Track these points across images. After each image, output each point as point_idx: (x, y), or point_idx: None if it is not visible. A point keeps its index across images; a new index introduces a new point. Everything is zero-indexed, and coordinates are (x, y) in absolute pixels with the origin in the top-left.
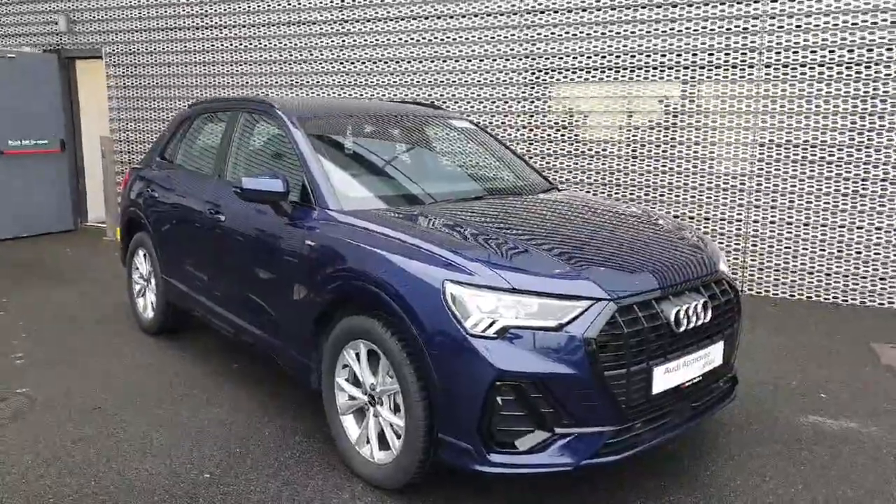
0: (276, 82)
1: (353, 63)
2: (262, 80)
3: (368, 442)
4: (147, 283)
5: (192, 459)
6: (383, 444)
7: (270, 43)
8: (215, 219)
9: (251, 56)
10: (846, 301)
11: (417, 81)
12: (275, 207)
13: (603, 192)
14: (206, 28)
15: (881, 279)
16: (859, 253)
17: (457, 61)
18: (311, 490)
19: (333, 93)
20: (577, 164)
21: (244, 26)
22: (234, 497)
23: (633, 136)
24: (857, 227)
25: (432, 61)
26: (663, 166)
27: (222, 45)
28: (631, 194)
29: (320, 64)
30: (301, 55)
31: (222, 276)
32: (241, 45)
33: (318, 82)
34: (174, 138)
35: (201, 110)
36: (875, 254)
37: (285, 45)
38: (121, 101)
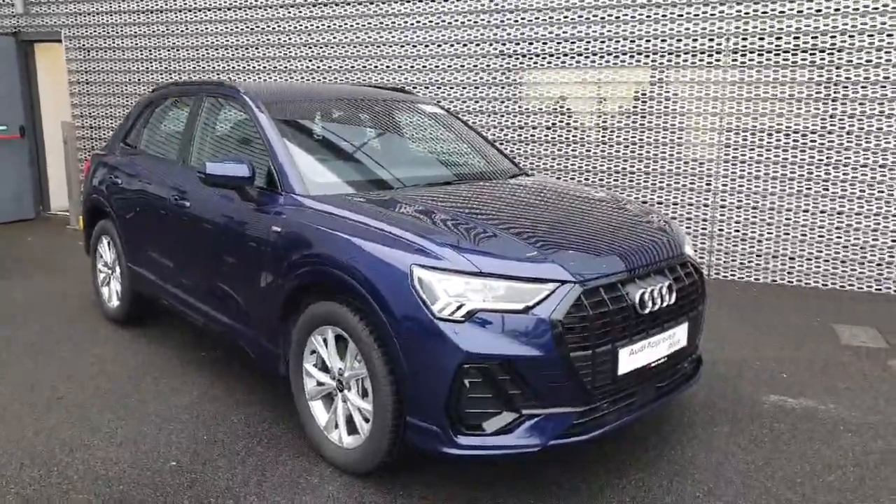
0: (243, 67)
1: (321, 48)
2: (227, 66)
3: (337, 427)
4: (112, 272)
5: (158, 448)
6: (352, 428)
7: (237, 27)
8: (180, 205)
9: (216, 40)
10: (808, 284)
11: (387, 67)
12: (240, 193)
13: (572, 178)
14: (170, 11)
15: (842, 262)
16: (821, 237)
17: (426, 46)
18: (280, 476)
19: (301, 78)
20: (547, 150)
21: (209, 9)
22: (202, 484)
23: (603, 122)
24: (820, 212)
25: (402, 46)
26: (632, 152)
27: (187, 28)
28: (600, 180)
29: (288, 49)
30: (269, 39)
31: (188, 263)
32: (206, 28)
33: (285, 67)
34: (137, 124)
35: (165, 95)
36: (836, 238)
37: (252, 28)
38: (82, 86)
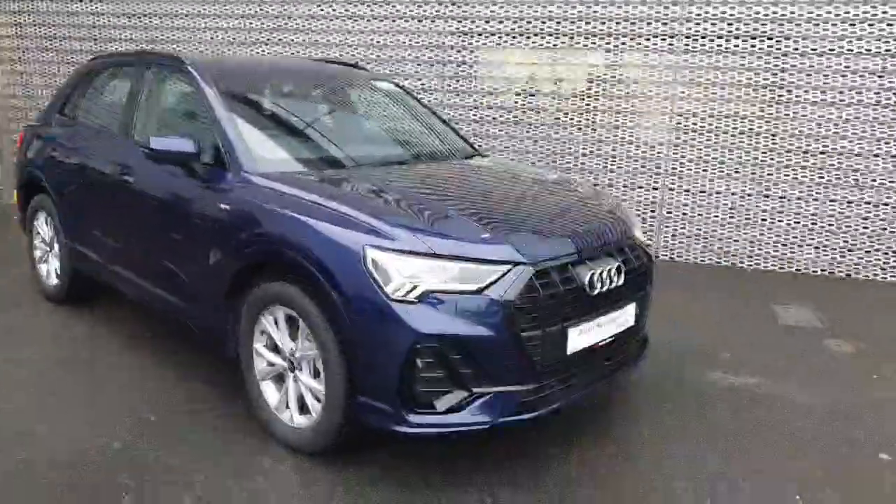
0: (187, 38)
1: (272, 19)
2: (171, 36)
3: (288, 407)
4: (49, 249)
5: (102, 429)
6: (303, 408)
7: None
8: (123, 180)
9: (160, 8)
10: (751, 265)
11: (340, 42)
12: (186, 169)
13: (527, 159)
14: None
15: (783, 244)
16: (763, 220)
17: (381, 21)
18: (230, 456)
19: (248, 51)
20: (501, 130)
21: None
22: (147, 465)
23: (557, 103)
24: (764, 196)
25: (354, 20)
26: (584, 134)
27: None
28: (553, 161)
29: (236, 20)
30: (216, 10)
31: (132, 240)
32: None
33: (233, 39)
34: (74, 94)
35: (106, 64)
36: (778, 221)
37: None
38: (12, 53)
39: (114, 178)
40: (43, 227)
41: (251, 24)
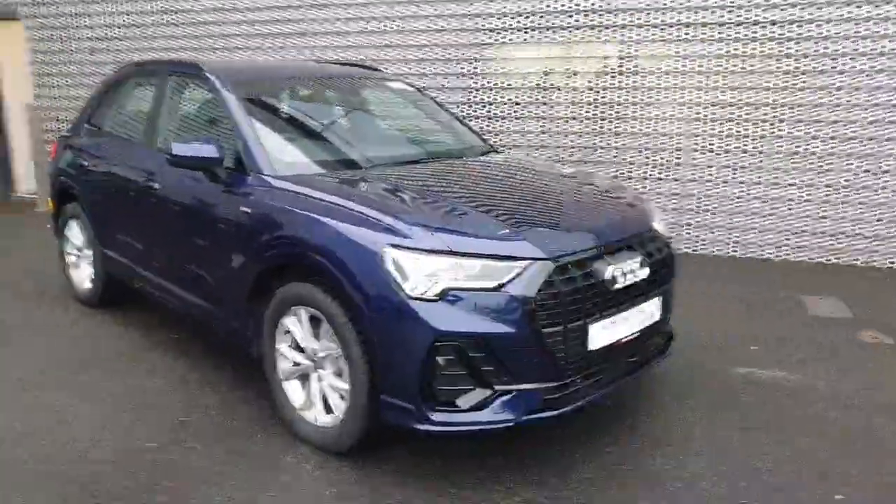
0: (210, 45)
1: (287, 24)
2: (195, 44)
3: (312, 406)
4: (81, 254)
5: (134, 430)
6: (327, 408)
7: (204, 5)
8: (149, 187)
9: (183, 18)
10: (779, 256)
11: (354, 43)
12: (208, 174)
13: (543, 155)
14: None
15: (812, 234)
16: (790, 210)
17: (394, 21)
18: (256, 456)
19: (267, 56)
20: (516, 126)
21: None
22: (179, 466)
23: (573, 97)
24: (790, 185)
25: (368, 21)
26: (601, 127)
27: (152, 6)
28: (570, 156)
29: (255, 26)
30: (235, 17)
31: (158, 245)
32: (172, 6)
33: (252, 45)
34: (102, 104)
35: (129, 74)
36: (806, 210)
37: (219, 6)
38: (44, 66)
39: (139, 184)
40: (75, 233)
41: (267, 29)
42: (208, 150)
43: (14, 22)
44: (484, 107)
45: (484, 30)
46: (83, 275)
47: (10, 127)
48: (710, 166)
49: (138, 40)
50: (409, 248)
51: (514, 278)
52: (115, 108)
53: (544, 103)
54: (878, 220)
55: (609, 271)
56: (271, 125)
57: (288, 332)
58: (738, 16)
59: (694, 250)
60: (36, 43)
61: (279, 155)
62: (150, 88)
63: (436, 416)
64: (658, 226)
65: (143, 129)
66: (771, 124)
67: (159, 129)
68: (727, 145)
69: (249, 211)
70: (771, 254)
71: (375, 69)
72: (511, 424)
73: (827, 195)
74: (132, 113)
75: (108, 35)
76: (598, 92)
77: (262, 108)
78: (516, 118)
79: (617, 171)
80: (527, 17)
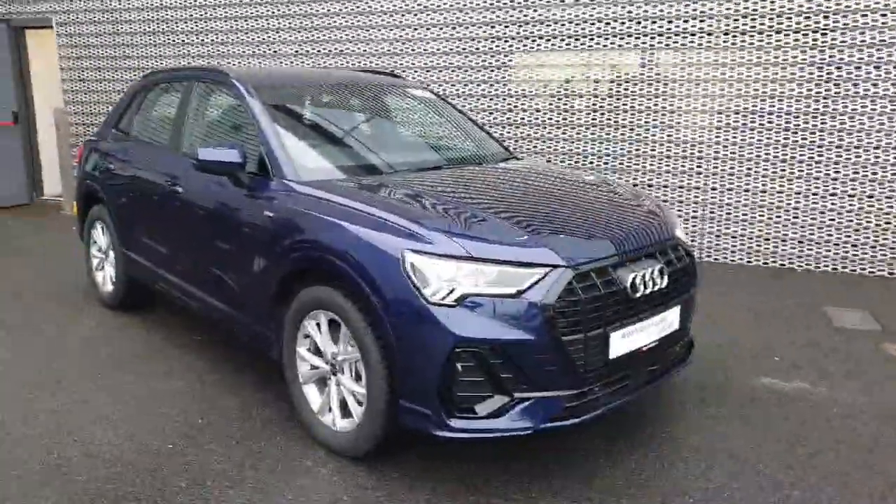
0: (233, 52)
1: (309, 31)
2: (218, 51)
3: (331, 410)
4: (105, 257)
5: (154, 430)
6: (345, 412)
7: (227, 12)
8: (173, 191)
9: (207, 25)
10: (801, 266)
11: (376, 51)
12: (232, 178)
13: (563, 162)
14: None
15: (835, 245)
16: (813, 219)
17: (415, 30)
18: (274, 459)
19: (290, 63)
20: (537, 133)
21: None
22: (197, 467)
23: (593, 104)
24: (812, 194)
25: (390, 30)
26: (622, 135)
27: (178, 14)
28: (590, 163)
29: (277, 33)
30: (258, 24)
31: (182, 248)
32: (198, 13)
33: (275, 52)
34: (129, 110)
35: (156, 81)
36: (829, 220)
37: (242, 14)
38: (73, 73)
39: (164, 188)
40: (99, 236)
41: (289, 36)
42: (233, 155)
43: (48, 30)
44: (505, 114)
45: (506, 37)
46: (107, 277)
47: (39, 131)
48: (732, 174)
49: (167, 47)
50: (429, 254)
51: (533, 285)
52: (142, 113)
53: (565, 110)
54: None
55: (630, 279)
56: (295, 131)
57: (308, 335)
58: (762, 24)
59: (716, 259)
60: (67, 49)
61: (302, 160)
62: (177, 94)
63: (454, 423)
64: (679, 234)
65: (168, 134)
66: (793, 133)
67: (185, 135)
68: (750, 153)
69: (272, 215)
70: (794, 264)
71: (398, 76)
72: (530, 432)
73: (851, 204)
74: (158, 118)
75: (134, 42)
76: (618, 99)
77: (286, 114)
78: (536, 125)
79: (638, 179)
80: (548, 26)
